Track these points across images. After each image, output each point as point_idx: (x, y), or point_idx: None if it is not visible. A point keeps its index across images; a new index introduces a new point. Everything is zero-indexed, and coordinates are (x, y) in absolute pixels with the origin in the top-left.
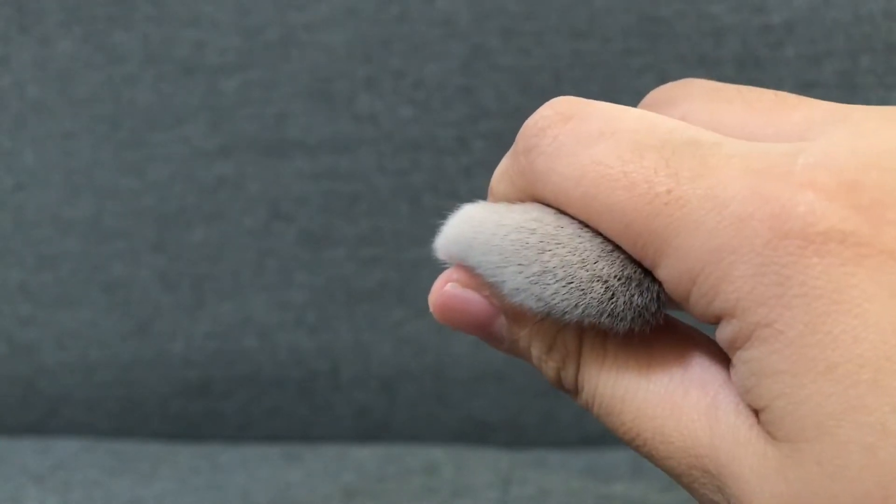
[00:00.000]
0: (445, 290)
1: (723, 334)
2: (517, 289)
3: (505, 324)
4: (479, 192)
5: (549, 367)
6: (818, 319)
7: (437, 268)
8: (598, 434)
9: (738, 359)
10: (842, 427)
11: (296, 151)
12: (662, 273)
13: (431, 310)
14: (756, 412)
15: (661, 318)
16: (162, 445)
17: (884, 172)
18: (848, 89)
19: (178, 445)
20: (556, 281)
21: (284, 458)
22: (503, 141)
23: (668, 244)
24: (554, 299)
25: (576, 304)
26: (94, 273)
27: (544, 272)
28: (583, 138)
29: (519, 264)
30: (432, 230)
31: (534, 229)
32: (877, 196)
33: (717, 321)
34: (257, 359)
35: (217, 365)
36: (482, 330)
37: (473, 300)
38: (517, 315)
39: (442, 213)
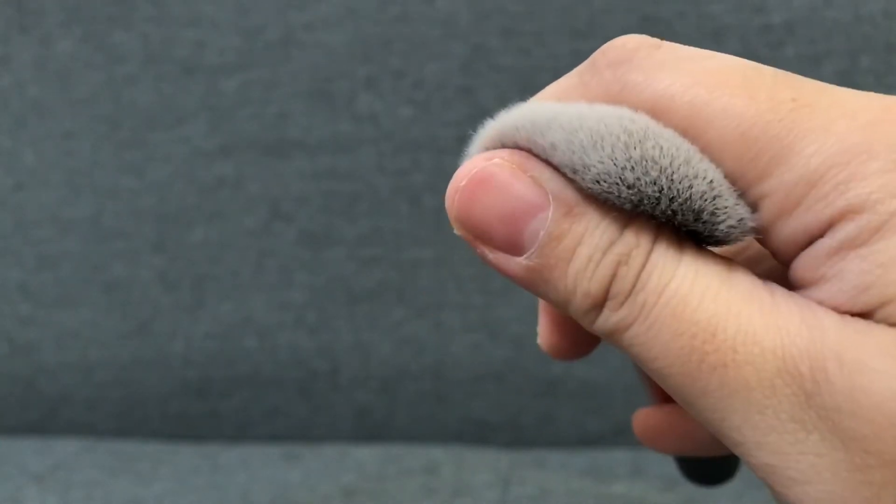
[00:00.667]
0: (489, 165)
1: (836, 237)
2: (607, 173)
3: (550, 217)
4: None
5: (603, 268)
6: None
7: (437, 268)
8: (597, 434)
9: (856, 256)
10: None
11: (296, 151)
12: (774, 182)
13: (453, 197)
14: (869, 313)
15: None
16: (162, 445)
17: None
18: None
19: (177, 445)
20: (660, 171)
21: (284, 458)
22: None
23: (789, 149)
24: (651, 188)
25: (675, 197)
26: (94, 273)
27: (644, 159)
28: (684, 56)
29: (614, 146)
30: (432, 230)
31: (633, 118)
32: None
33: (826, 228)
34: (257, 359)
35: (217, 365)
36: (512, 226)
37: (520, 181)
38: (574, 206)
39: (442, 213)
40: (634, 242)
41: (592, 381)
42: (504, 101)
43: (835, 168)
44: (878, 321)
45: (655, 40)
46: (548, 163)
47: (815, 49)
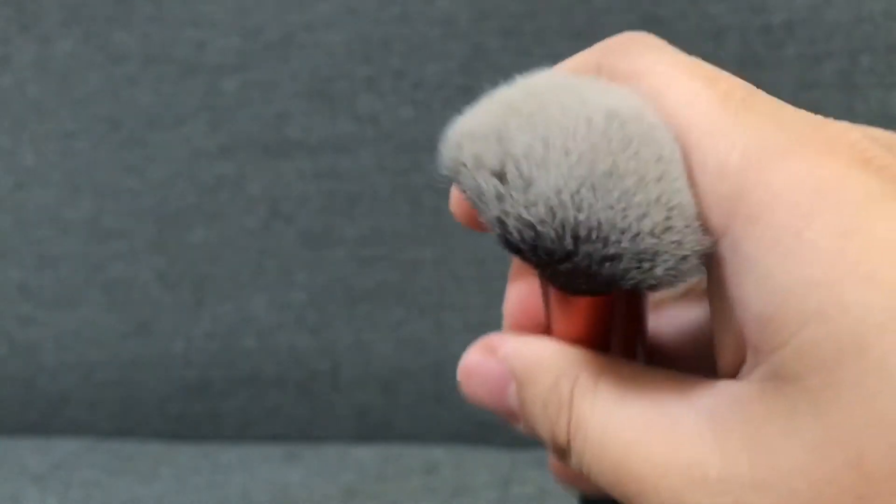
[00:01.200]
0: (468, 356)
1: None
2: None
3: (514, 389)
4: None
5: (547, 425)
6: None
7: (437, 268)
8: None
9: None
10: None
11: (296, 151)
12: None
13: (459, 385)
14: (753, 366)
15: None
16: (162, 445)
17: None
18: (848, 89)
19: (178, 445)
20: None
21: (284, 458)
22: None
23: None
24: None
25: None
26: (93, 273)
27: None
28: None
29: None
30: (432, 230)
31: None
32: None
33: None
34: (257, 359)
35: (217, 365)
36: (500, 402)
37: (488, 363)
38: (525, 373)
39: (442, 213)
40: (558, 401)
41: None
42: None
43: (748, 164)
44: (773, 368)
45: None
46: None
47: (816, 49)
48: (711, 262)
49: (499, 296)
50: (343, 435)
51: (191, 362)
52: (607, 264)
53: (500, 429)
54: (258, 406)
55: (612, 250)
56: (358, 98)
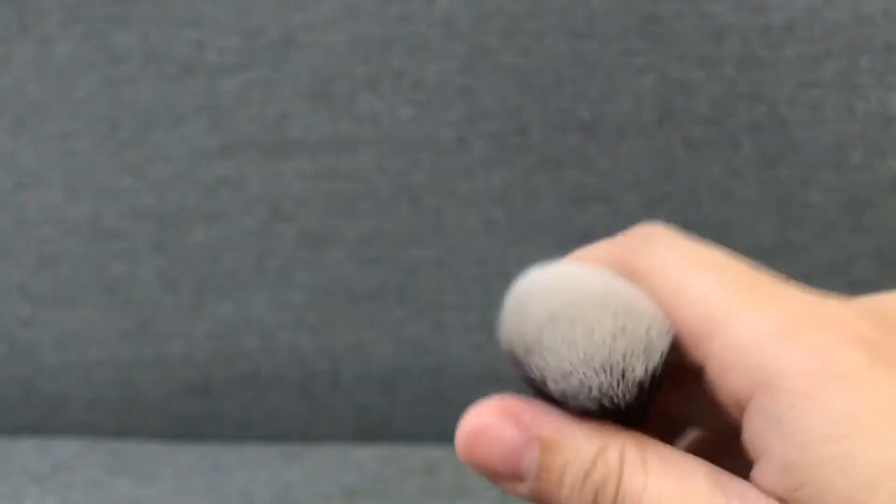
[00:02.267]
0: (481, 419)
1: (761, 409)
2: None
3: (537, 454)
4: (479, 192)
5: (587, 492)
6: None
7: (437, 268)
8: None
9: (778, 434)
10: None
11: (296, 151)
12: (714, 345)
13: (460, 445)
14: (792, 494)
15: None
16: (162, 445)
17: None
18: (848, 89)
19: (178, 445)
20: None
21: (284, 459)
22: (503, 141)
23: (733, 319)
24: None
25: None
26: (94, 273)
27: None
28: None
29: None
30: (432, 230)
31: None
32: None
33: (748, 397)
34: (257, 359)
35: (217, 365)
36: (511, 465)
37: (508, 428)
38: (553, 440)
39: (442, 213)
40: (606, 471)
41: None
42: (504, 102)
43: (763, 343)
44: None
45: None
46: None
47: (815, 49)
48: (742, 422)
49: (499, 296)
50: (343, 435)
51: (191, 362)
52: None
53: None
54: (258, 406)
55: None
56: (358, 98)
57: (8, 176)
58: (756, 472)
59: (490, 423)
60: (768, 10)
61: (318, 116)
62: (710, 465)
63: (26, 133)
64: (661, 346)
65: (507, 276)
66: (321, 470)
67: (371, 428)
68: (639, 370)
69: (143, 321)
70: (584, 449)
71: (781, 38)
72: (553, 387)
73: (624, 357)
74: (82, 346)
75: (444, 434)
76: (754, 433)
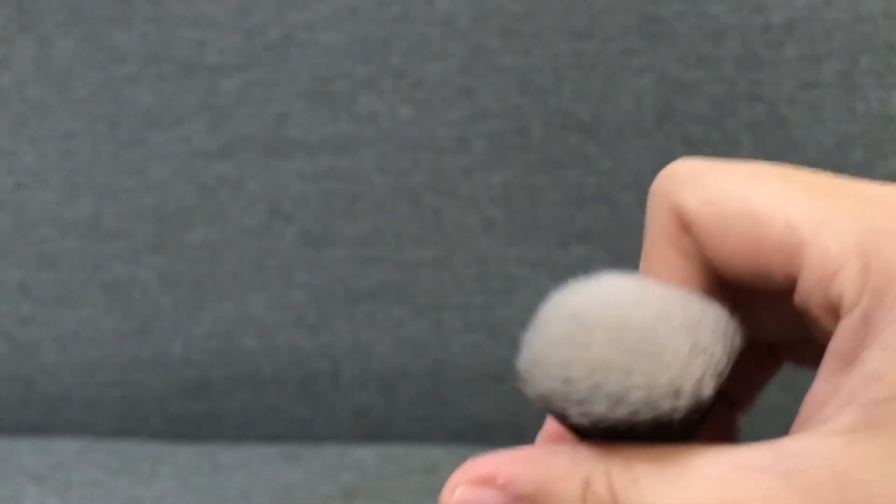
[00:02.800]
0: (456, 499)
1: (862, 314)
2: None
3: None
4: (479, 192)
5: None
6: None
7: (437, 268)
8: None
9: (877, 344)
10: None
11: (296, 151)
12: (813, 250)
13: None
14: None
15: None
16: (162, 445)
17: None
18: (848, 89)
19: (178, 445)
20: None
21: (284, 458)
22: (503, 141)
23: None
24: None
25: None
26: (93, 273)
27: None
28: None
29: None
30: (432, 230)
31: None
32: None
33: (855, 302)
34: (257, 359)
35: (217, 365)
36: None
37: (488, 496)
38: (536, 497)
39: (442, 213)
40: (597, 499)
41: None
42: (504, 101)
43: (867, 247)
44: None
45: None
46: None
47: (816, 49)
48: (841, 328)
49: (499, 296)
50: (343, 435)
51: (191, 362)
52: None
53: (500, 429)
54: (258, 406)
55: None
56: (358, 98)
57: (8, 175)
58: (837, 381)
59: (470, 497)
60: (768, 9)
61: (317, 116)
62: (708, 447)
63: (26, 133)
64: (732, 353)
65: (507, 276)
66: (321, 470)
67: (371, 428)
68: (709, 387)
69: (143, 321)
70: (570, 491)
71: (781, 37)
72: (608, 413)
73: (699, 378)
74: (82, 346)
75: (444, 434)
76: (849, 340)
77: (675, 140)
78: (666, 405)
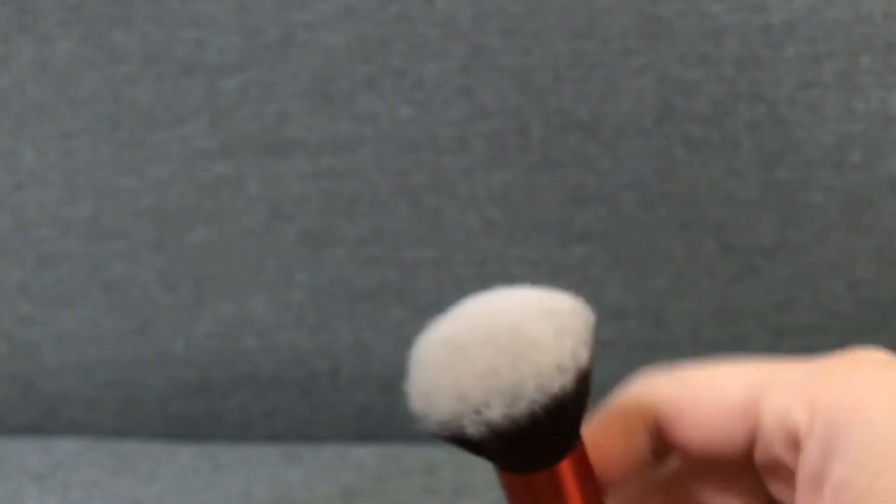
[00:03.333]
0: None
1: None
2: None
3: None
4: (479, 192)
5: None
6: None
7: (437, 268)
8: None
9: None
10: None
11: (296, 151)
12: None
13: None
14: None
15: None
16: (162, 445)
17: None
18: (848, 89)
19: (178, 445)
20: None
21: (284, 458)
22: (503, 140)
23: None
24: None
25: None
26: (93, 273)
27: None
28: None
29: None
30: (432, 230)
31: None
32: None
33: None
34: (257, 359)
35: (217, 365)
36: None
37: None
38: None
39: (442, 213)
40: None
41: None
42: (504, 101)
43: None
44: None
45: None
46: None
47: (816, 49)
48: (804, 455)
49: None
50: (343, 435)
51: (191, 362)
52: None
53: None
54: (258, 406)
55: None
56: (358, 98)
57: (8, 175)
58: (813, 502)
59: None
60: (768, 9)
61: (317, 116)
62: None
63: (26, 132)
64: (590, 327)
65: (507, 276)
66: (321, 470)
67: (371, 427)
68: (584, 356)
69: (143, 321)
70: None
71: (781, 37)
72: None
73: (573, 350)
74: (82, 346)
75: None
76: (814, 464)
77: (675, 140)
78: (555, 385)
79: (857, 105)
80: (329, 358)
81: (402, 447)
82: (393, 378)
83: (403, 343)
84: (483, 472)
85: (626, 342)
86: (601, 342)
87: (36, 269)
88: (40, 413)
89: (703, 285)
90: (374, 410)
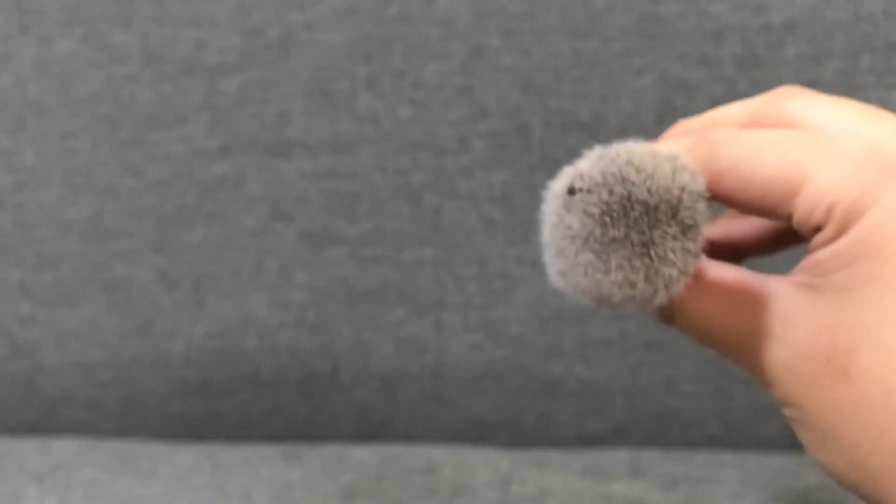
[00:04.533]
0: None
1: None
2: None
3: None
4: (479, 192)
5: None
6: None
7: (437, 268)
8: (597, 434)
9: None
10: None
11: (296, 151)
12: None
13: None
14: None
15: None
16: (162, 445)
17: None
18: (848, 89)
19: (178, 445)
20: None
21: (285, 458)
22: (503, 140)
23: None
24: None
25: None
26: (94, 273)
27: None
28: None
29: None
30: (433, 230)
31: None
32: None
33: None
34: (257, 358)
35: (217, 364)
36: None
37: None
38: None
39: (442, 213)
40: None
41: (592, 381)
42: (504, 101)
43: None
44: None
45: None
46: None
47: (816, 49)
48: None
49: (499, 296)
50: (343, 435)
51: (191, 362)
52: None
53: (500, 429)
54: (258, 406)
55: None
56: (358, 98)
57: (8, 175)
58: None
59: None
60: (768, 9)
61: (317, 116)
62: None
63: (26, 132)
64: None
65: (507, 276)
66: (321, 469)
67: (371, 427)
68: (700, 183)
69: (143, 321)
70: None
71: (781, 37)
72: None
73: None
74: (82, 346)
75: (444, 434)
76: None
77: None
78: (674, 195)
79: None
80: (329, 358)
81: (402, 447)
82: (393, 378)
83: (403, 343)
84: (483, 472)
85: (626, 342)
86: (601, 342)
87: (36, 269)
88: (40, 413)
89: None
90: (374, 410)
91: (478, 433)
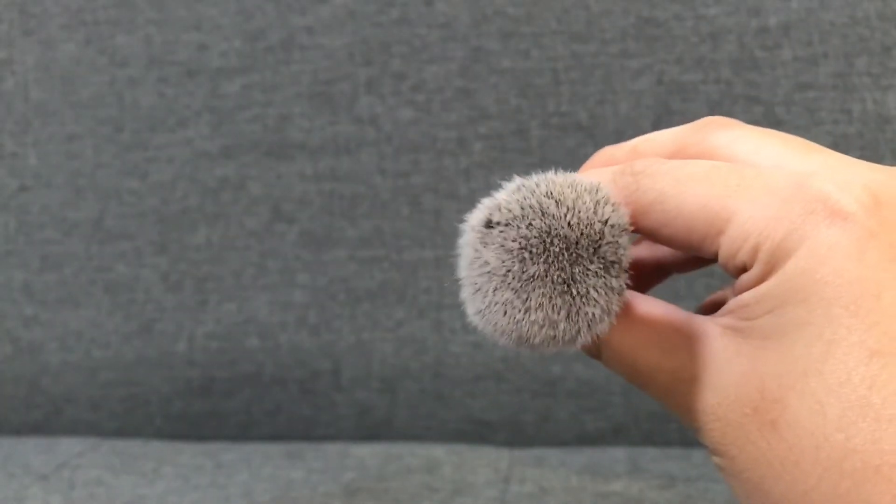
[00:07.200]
0: None
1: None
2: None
3: None
4: (479, 193)
5: None
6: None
7: (437, 268)
8: (596, 433)
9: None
10: None
11: (297, 153)
12: (731, 229)
13: None
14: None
15: None
16: (165, 444)
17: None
18: (844, 91)
19: (180, 444)
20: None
21: (286, 457)
22: (503, 142)
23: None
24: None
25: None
26: (97, 274)
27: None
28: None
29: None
30: (432, 231)
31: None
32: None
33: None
34: (259, 358)
35: (219, 365)
36: None
37: None
38: None
39: (442, 214)
40: None
41: (591, 380)
42: (503, 103)
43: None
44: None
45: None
46: None
47: (812, 51)
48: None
49: None
50: (344, 434)
51: (193, 362)
52: None
53: (500, 427)
54: (260, 405)
55: None
56: (358, 100)
57: (12, 177)
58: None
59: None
60: (765, 12)
61: (318, 118)
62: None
63: (30, 135)
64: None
65: None
66: (322, 468)
67: (372, 427)
68: (623, 217)
69: (146, 321)
70: None
71: (778, 40)
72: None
73: (612, 212)
74: (86, 347)
75: (444, 433)
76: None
77: None
78: (595, 229)
79: (853, 106)
80: (330, 358)
81: (402, 446)
82: (394, 378)
83: (404, 343)
84: (482, 471)
85: None
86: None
87: (40, 271)
88: (44, 413)
89: (701, 284)
90: (375, 409)
91: (477, 432)
